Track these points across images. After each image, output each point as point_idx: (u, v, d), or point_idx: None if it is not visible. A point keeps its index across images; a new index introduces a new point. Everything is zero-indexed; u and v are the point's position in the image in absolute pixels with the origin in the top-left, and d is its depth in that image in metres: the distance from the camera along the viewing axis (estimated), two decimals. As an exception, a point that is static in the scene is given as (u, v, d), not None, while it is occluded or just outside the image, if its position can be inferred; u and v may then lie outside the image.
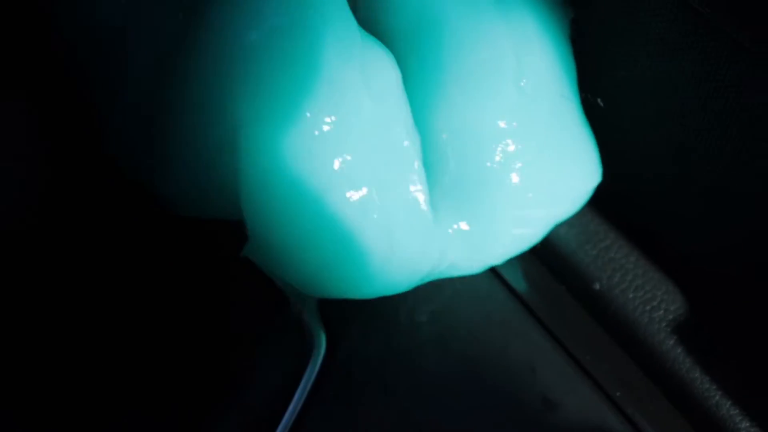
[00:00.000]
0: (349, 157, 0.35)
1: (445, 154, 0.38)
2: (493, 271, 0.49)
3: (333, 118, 0.34)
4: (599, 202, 0.49)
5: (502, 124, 0.38)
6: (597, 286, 0.47)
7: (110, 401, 0.45)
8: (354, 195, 0.35)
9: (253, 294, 0.47)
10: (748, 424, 0.42)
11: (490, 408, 0.44)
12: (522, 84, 0.38)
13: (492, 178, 0.38)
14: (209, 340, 0.47)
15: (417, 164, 0.37)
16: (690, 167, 0.42)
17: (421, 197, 0.37)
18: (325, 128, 0.34)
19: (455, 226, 0.38)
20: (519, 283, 0.48)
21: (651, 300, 0.46)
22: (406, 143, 0.36)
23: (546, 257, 0.49)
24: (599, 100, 0.43)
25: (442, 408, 0.44)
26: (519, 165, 0.38)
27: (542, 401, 0.44)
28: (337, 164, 0.34)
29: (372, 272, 0.36)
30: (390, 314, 0.47)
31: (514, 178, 0.38)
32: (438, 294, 0.47)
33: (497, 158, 0.38)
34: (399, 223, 0.36)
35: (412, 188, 0.36)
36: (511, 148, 0.38)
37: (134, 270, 0.47)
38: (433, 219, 0.37)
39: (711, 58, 0.36)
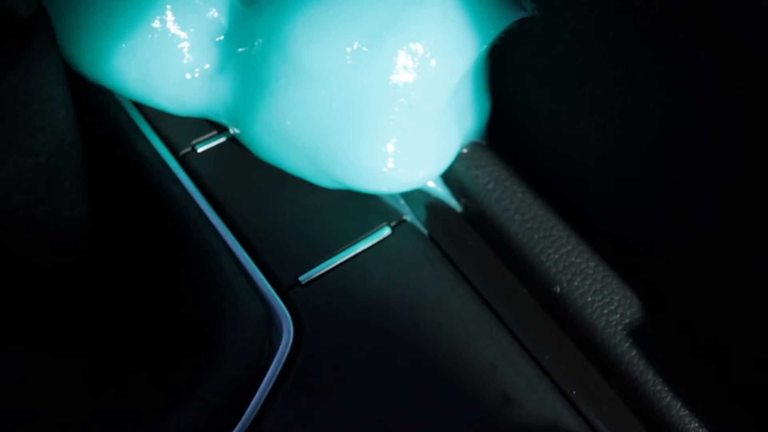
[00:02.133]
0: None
1: (249, 52, 0.47)
2: (458, 271, 0.50)
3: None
4: (563, 209, 0.50)
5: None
6: (557, 290, 0.48)
7: (66, 395, 0.44)
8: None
9: (215, 283, 0.47)
10: (696, 425, 0.44)
11: (451, 402, 0.45)
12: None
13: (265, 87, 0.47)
14: (168, 329, 0.47)
15: (216, 33, 0.48)
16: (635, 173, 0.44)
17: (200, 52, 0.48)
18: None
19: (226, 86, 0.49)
20: (483, 284, 0.49)
21: (608, 304, 0.48)
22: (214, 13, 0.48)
23: (509, 260, 0.51)
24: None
25: (404, 401, 0.45)
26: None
27: (502, 397, 0.45)
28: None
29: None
30: (357, 307, 0.48)
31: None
32: (403, 292, 0.48)
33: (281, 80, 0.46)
34: (171, 53, 0.48)
35: (194, 41, 0.48)
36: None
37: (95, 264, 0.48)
38: (208, 75, 0.49)
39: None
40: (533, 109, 0.50)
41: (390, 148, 0.46)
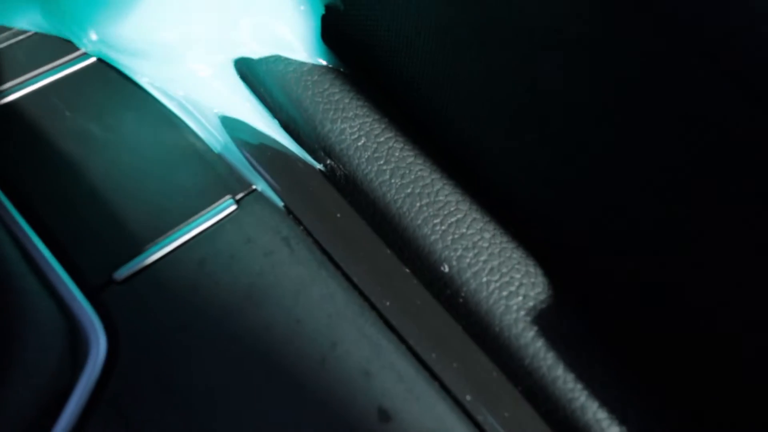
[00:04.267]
0: None
1: None
2: (322, 252, 0.40)
3: None
4: (451, 168, 0.40)
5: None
6: (446, 269, 0.39)
7: None
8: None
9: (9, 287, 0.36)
10: (617, 430, 0.35)
11: (315, 422, 0.35)
12: None
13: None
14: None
15: None
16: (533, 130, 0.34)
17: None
18: None
19: None
20: (352, 267, 0.39)
21: (508, 285, 0.38)
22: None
23: (386, 234, 0.41)
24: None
25: (256, 426, 0.35)
26: None
27: (378, 412, 0.36)
28: None
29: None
30: (192, 307, 0.37)
31: None
32: (252, 283, 0.38)
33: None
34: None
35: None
36: None
37: None
38: None
39: None
40: (411, 41, 0.40)
41: None
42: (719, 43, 0.28)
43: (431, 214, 0.40)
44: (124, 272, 0.37)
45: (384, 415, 0.36)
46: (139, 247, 0.38)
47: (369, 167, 0.41)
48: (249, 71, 0.43)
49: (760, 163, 0.28)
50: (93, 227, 0.38)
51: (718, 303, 0.32)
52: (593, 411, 0.36)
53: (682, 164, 0.31)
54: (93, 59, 0.43)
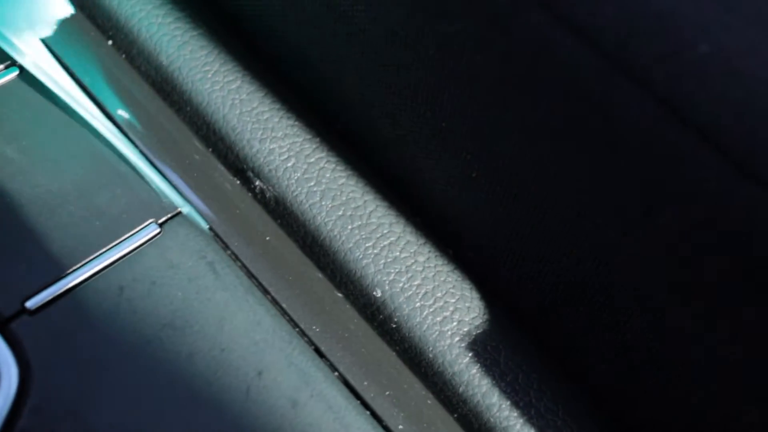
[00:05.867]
0: None
1: None
2: (249, 276, 0.38)
3: None
4: (384, 189, 0.39)
5: None
6: (378, 293, 0.37)
7: None
8: None
9: None
10: (552, 459, 0.34)
11: (237, 457, 0.33)
12: None
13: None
14: None
15: None
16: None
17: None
18: None
19: None
20: (281, 292, 0.38)
21: (442, 309, 0.37)
22: None
23: (317, 258, 0.39)
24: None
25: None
26: None
27: (305, 444, 0.34)
28: None
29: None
30: (110, 337, 0.35)
31: None
32: (174, 310, 0.36)
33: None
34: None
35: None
36: None
37: None
38: None
39: None
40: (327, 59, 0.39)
41: None
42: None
43: (363, 236, 0.39)
44: (37, 300, 0.35)
45: (312, 448, 0.34)
46: (54, 275, 0.36)
47: (299, 188, 0.39)
48: (172, 86, 0.42)
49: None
50: (4, 254, 0.36)
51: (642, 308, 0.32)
52: (528, 439, 0.35)
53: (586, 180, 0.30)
54: (9, 77, 0.41)
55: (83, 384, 0.34)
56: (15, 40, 0.41)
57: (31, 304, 0.35)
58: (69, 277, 0.36)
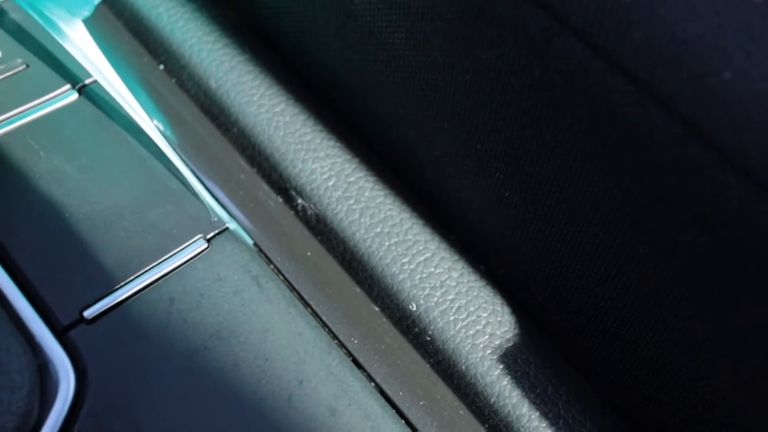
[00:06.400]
0: None
1: None
2: (291, 290, 0.40)
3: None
4: (421, 207, 0.41)
5: None
6: (413, 307, 0.39)
7: None
8: None
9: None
10: (581, 469, 0.35)
11: (279, 461, 0.35)
12: None
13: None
14: None
15: None
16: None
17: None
18: None
19: None
20: (321, 305, 0.40)
21: (475, 323, 0.39)
22: None
23: (355, 273, 0.41)
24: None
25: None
26: None
27: (343, 450, 0.36)
28: None
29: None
30: (161, 345, 0.37)
31: None
32: (221, 321, 0.38)
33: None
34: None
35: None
36: None
37: None
38: None
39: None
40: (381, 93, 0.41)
41: None
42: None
43: (400, 252, 0.40)
44: (93, 310, 0.38)
45: (349, 454, 0.36)
46: (109, 286, 0.38)
47: (339, 207, 0.41)
48: (220, 109, 0.44)
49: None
50: (64, 266, 0.39)
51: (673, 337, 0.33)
52: (558, 449, 0.36)
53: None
54: (71, 98, 0.44)
55: (136, 390, 0.36)
56: (77, 60, 0.44)
57: (88, 313, 0.37)
58: (124, 289, 0.38)
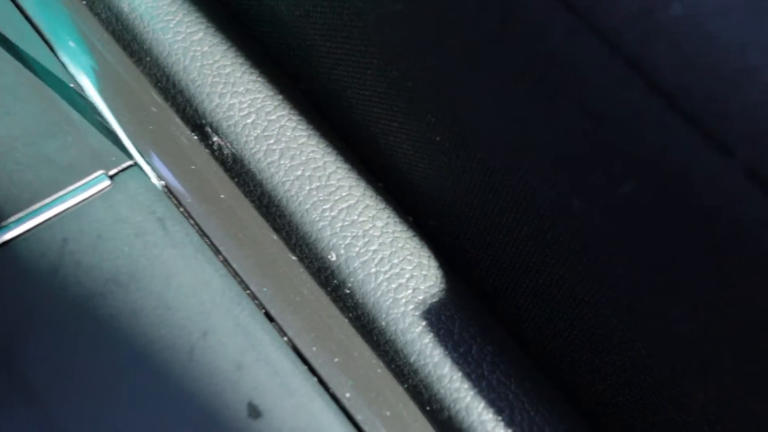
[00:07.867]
0: None
1: None
2: (200, 233, 0.37)
3: None
4: (347, 151, 0.38)
5: None
6: (333, 257, 0.36)
7: None
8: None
9: None
10: (502, 433, 0.33)
11: (176, 417, 0.32)
12: None
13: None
14: None
15: None
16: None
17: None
18: None
19: None
20: (232, 251, 0.36)
21: (398, 276, 0.36)
22: None
23: (272, 217, 0.38)
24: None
25: (108, 416, 0.32)
26: None
27: (248, 407, 0.33)
28: None
29: None
30: (50, 291, 0.34)
31: None
32: (119, 266, 0.35)
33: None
34: None
35: None
36: None
37: None
38: None
39: None
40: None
41: None
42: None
43: (321, 198, 0.37)
44: (-26, 249, 0.34)
45: (254, 411, 0.33)
46: (-8, 223, 0.35)
47: (257, 146, 0.38)
48: (133, 35, 0.40)
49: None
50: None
51: (602, 298, 0.31)
52: (479, 412, 0.34)
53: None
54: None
55: (17, 336, 0.33)
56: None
57: (-33, 251, 0.34)
58: (11, 226, 0.34)
